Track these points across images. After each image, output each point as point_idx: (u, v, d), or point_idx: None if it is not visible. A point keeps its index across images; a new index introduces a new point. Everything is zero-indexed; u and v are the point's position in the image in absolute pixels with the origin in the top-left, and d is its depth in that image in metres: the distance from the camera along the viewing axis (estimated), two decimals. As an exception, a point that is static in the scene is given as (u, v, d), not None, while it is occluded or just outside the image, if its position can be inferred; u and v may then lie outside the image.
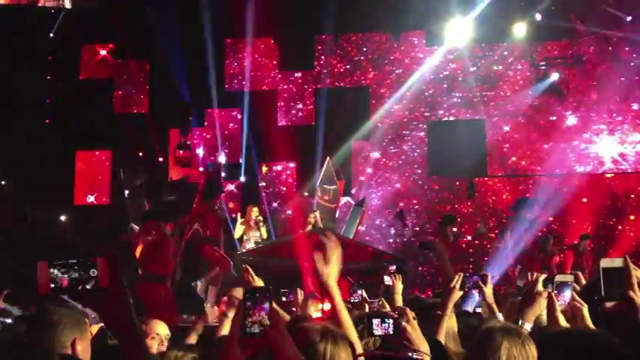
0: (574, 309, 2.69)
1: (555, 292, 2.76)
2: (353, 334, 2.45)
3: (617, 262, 2.33)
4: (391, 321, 2.72)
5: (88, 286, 1.46)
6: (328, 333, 2.25)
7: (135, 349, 1.65)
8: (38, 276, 1.47)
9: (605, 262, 2.33)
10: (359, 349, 2.41)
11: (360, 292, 4.98)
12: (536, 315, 2.83)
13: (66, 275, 1.45)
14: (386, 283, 4.91)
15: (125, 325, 1.60)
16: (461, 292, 3.41)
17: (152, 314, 6.78)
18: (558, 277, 2.83)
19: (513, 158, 13.03)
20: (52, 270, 1.46)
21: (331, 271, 2.49)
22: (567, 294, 2.78)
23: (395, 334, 2.70)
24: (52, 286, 1.46)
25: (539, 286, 2.77)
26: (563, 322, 2.64)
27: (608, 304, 2.28)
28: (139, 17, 12.73)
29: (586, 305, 2.69)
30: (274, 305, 1.72)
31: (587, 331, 2.15)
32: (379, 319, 2.74)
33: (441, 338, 3.17)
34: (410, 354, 2.36)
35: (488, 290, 3.69)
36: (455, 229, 10.79)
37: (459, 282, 3.40)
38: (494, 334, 2.31)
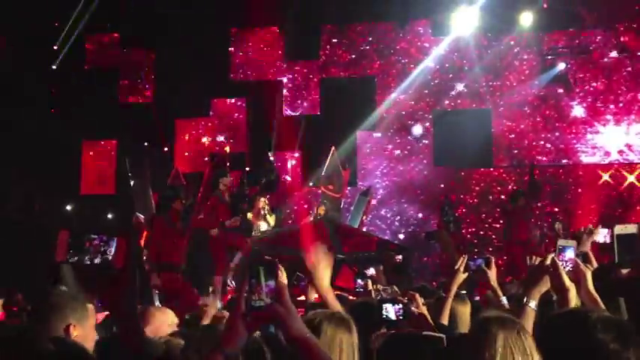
0: (577, 273, 2.70)
1: (558, 254, 2.78)
2: None
3: (630, 229, 2.33)
4: (401, 306, 2.76)
5: (99, 261, 1.49)
6: (333, 317, 2.32)
7: (132, 331, 1.67)
8: (58, 243, 1.50)
9: (618, 229, 2.32)
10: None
11: (363, 282, 5.01)
12: (542, 292, 2.83)
13: (83, 247, 1.48)
14: (368, 274, 4.96)
15: (125, 307, 1.61)
16: (465, 275, 3.44)
17: (172, 301, 6.85)
18: (560, 242, 2.86)
19: (518, 149, 12.98)
20: (71, 240, 1.49)
21: (321, 274, 2.66)
22: (569, 254, 2.80)
23: (405, 318, 2.73)
24: (68, 255, 1.49)
25: (548, 261, 2.77)
26: (567, 282, 2.65)
27: (622, 271, 2.27)
28: (145, 6, 12.69)
29: (589, 270, 2.70)
30: (280, 279, 1.70)
31: (588, 312, 2.15)
32: (390, 304, 2.77)
33: (445, 320, 3.20)
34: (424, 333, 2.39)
35: (492, 274, 3.69)
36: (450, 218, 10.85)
37: (464, 265, 3.42)
38: (489, 325, 2.30)
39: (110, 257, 1.52)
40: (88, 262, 1.53)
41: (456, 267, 3.43)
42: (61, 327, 2.54)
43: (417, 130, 13.10)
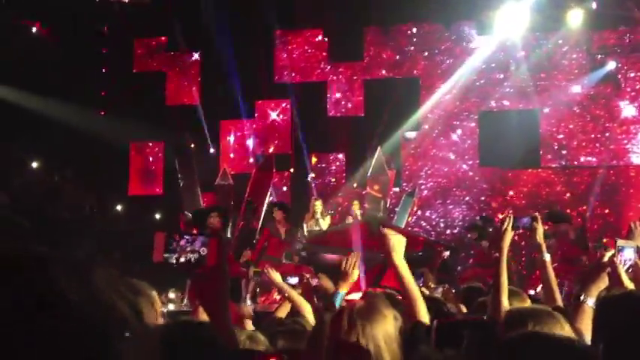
0: (637, 273, 2.66)
1: (617, 254, 2.75)
2: (421, 305, 2.53)
3: None
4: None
5: (194, 260, 1.59)
6: (363, 309, 2.30)
7: (224, 326, 1.73)
8: (155, 245, 1.60)
9: None
10: (426, 319, 2.48)
11: (421, 279, 5.04)
12: (600, 290, 2.79)
13: (179, 248, 1.58)
14: (445, 257, 4.92)
15: (218, 303, 1.68)
16: (512, 233, 3.38)
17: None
18: (620, 242, 2.82)
19: (567, 149, 12.74)
20: (168, 241, 1.59)
21: (397, 249, 2.63)
22: (629, 254, 2.77)
23: None
24: (165, 255, 1.58)
25: (606, 258, 2.73)
26: (627, 282, 2.62)
27: None
28: (191, 10, 12.91)
29: None
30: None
31: None
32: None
33: (504, 280, 3.07)
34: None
35: (540, 230, 3.61)
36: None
37: (510, 224, 3.35)
38: None
39: (204, 255, 1.63)
40: (183, 260, 1.64)
41: (503, 227, 3.37)
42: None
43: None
